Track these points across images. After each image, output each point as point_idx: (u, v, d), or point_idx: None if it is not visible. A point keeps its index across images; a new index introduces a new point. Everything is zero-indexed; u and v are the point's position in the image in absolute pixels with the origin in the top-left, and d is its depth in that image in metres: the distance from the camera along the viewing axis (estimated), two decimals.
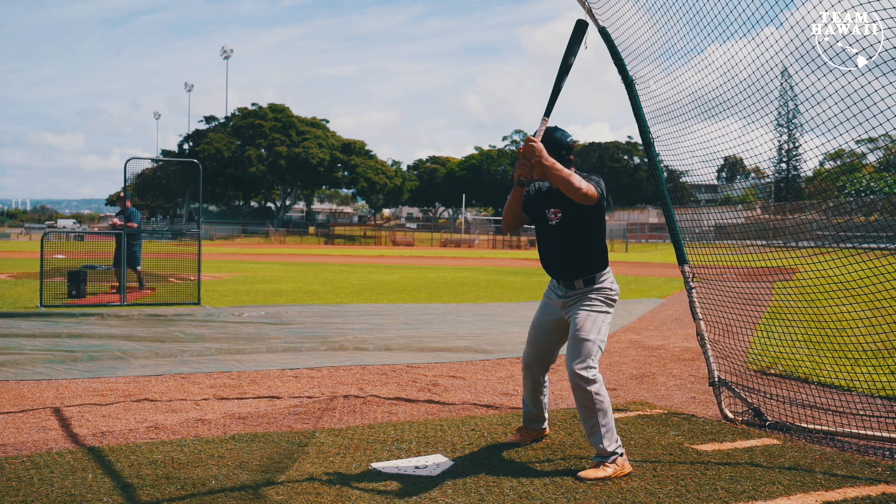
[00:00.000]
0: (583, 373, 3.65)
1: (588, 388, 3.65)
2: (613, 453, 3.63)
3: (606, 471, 3.58)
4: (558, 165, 3.62)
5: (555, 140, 3.83)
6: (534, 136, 3.72)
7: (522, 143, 3.68)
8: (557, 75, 3.83)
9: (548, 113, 3.78)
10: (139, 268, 12.71)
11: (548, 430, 4.34)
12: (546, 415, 4.27)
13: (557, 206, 3.87)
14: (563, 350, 4.01)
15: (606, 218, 4.02)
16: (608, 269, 3.95)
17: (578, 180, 3.62)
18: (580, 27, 3.82)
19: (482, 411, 5.10)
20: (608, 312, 3.88)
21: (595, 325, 3.79)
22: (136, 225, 12.40)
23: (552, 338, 4.07)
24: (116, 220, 12.46)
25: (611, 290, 3.91)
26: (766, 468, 3.78)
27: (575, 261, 3.89)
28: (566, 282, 3.93)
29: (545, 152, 3.61)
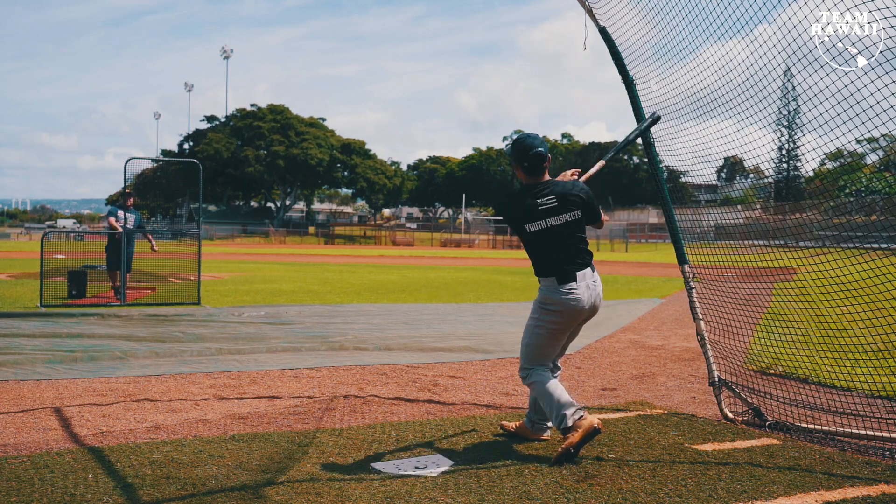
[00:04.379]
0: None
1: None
2: (568, 425, 3.80)
3: (568, 439, 3.76)
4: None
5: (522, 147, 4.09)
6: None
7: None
8: (623, 143, 4.58)
9: (606, 159, 4.40)
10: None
11: (548, 437, 4.30)
12: (549, 424, 4.25)
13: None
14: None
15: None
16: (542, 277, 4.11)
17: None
18: (654, 120, 4.65)
19: (482, 411, 5.10)
20: (535, 318, 4.10)
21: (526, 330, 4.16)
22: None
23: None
24: (112, 221, 12.25)
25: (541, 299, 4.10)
26: (766, 468, 3.78)
27: None
28: None
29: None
